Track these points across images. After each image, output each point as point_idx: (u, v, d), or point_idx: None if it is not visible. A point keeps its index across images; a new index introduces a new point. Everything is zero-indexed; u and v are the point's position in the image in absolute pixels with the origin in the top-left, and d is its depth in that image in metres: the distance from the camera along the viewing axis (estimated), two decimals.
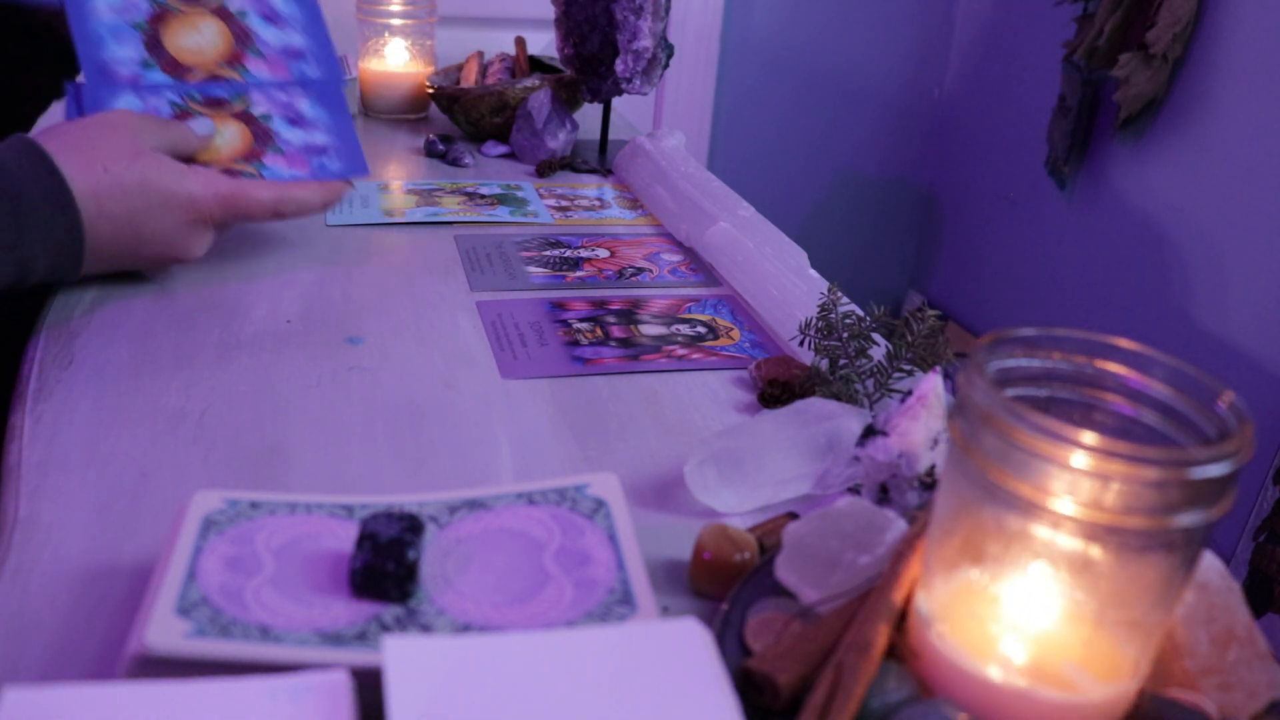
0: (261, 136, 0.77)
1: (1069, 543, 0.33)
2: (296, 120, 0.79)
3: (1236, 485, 0.32)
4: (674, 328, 0.74)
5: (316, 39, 0.82)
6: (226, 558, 0.42)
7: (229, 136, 0.76)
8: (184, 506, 0.44)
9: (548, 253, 0.85)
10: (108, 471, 0.52)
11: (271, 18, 0.81)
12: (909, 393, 0.48)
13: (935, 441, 0.47)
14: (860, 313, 0.63)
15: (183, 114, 0.76)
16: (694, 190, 0.91)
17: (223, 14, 0.78)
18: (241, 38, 0.78)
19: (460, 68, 1.19)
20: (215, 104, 0.78)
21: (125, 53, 0.75)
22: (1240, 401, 0.34)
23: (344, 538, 0.44)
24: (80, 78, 0.76)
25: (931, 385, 0.48)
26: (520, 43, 1.20)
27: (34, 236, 0.61)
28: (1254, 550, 1.44)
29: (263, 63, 0.79)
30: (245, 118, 0.77)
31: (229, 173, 0.74)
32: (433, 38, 1.22)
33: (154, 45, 0.76)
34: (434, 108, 1.21)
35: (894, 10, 2.15)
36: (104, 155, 0.65)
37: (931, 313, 0.59)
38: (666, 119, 2.08)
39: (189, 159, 0.72)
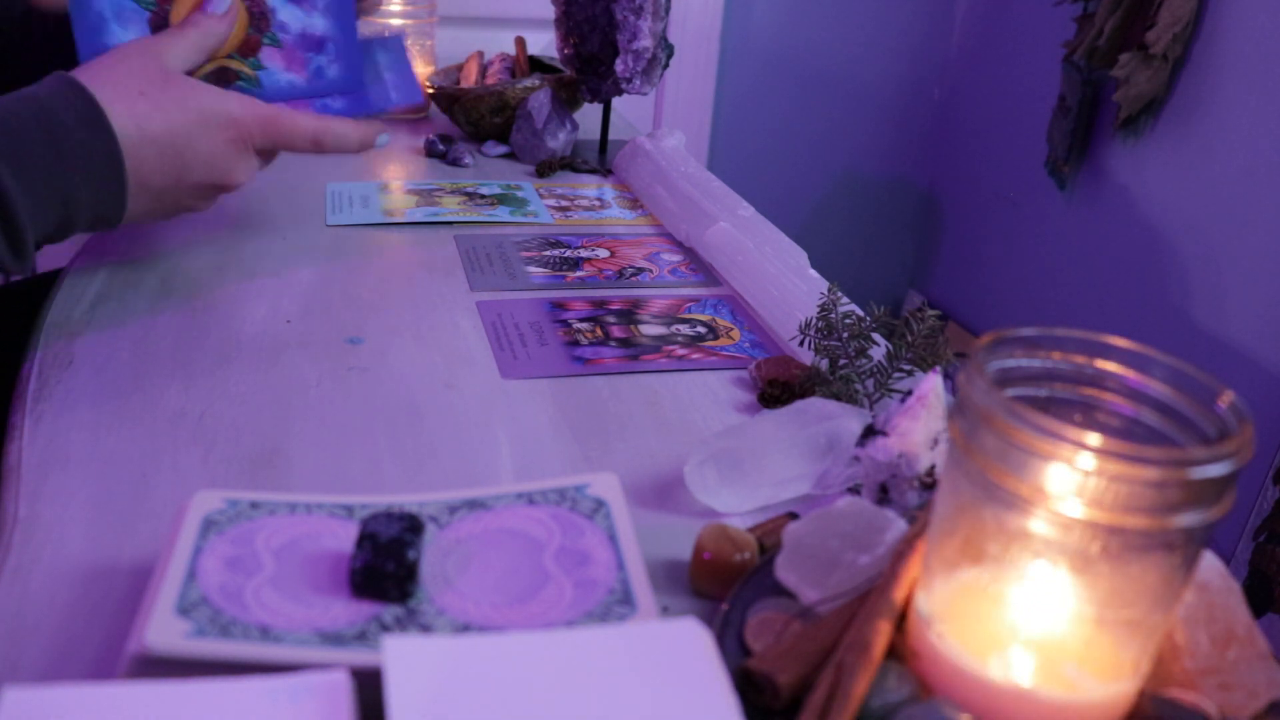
0: (258, 14, 0.74)
1: (1069, 543, 0.33)
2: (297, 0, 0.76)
3: (1236, 485, 0.32)
4: (674, 328, 0.74)
5: (340, 25, 0.78)
6: (226, 558, 0.42)
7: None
8: (184, 506, 0.44)
9: (548, 253, 0.85)
10: (108, 471, 0.52)
11: (297, 0, 0.77)
12: (909, 393, 0.48)
13: (935, 441, 0.47)
14: (860, 313, 0.63)
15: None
16: (694, 190, 0.91)
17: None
18: (259, 18, 0.75)
19: (460, 68, 1.19)
20: None
21: (129, 36, 0.72)
22: (1240, 401, 0.34)
23: (344, 538, 0.44)
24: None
25: (931, 385, 0.48)
26: (520, 43, 1.20)
27: (76, 169, 0.59)
28: (1254, 550, 1.44)
29: (278, 53, 0.76)
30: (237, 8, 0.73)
31: (224, 71, 0.73)
32: (433, 38, 1.22)
33: (161, 26, 0.73)
34: (434, 108, 1.21)
35: (894, 10, 2.15)
36: (138, 81, 0.63)
37: (931, 313, 0.59)
38: (666, 119, 2.08)
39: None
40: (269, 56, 0.75)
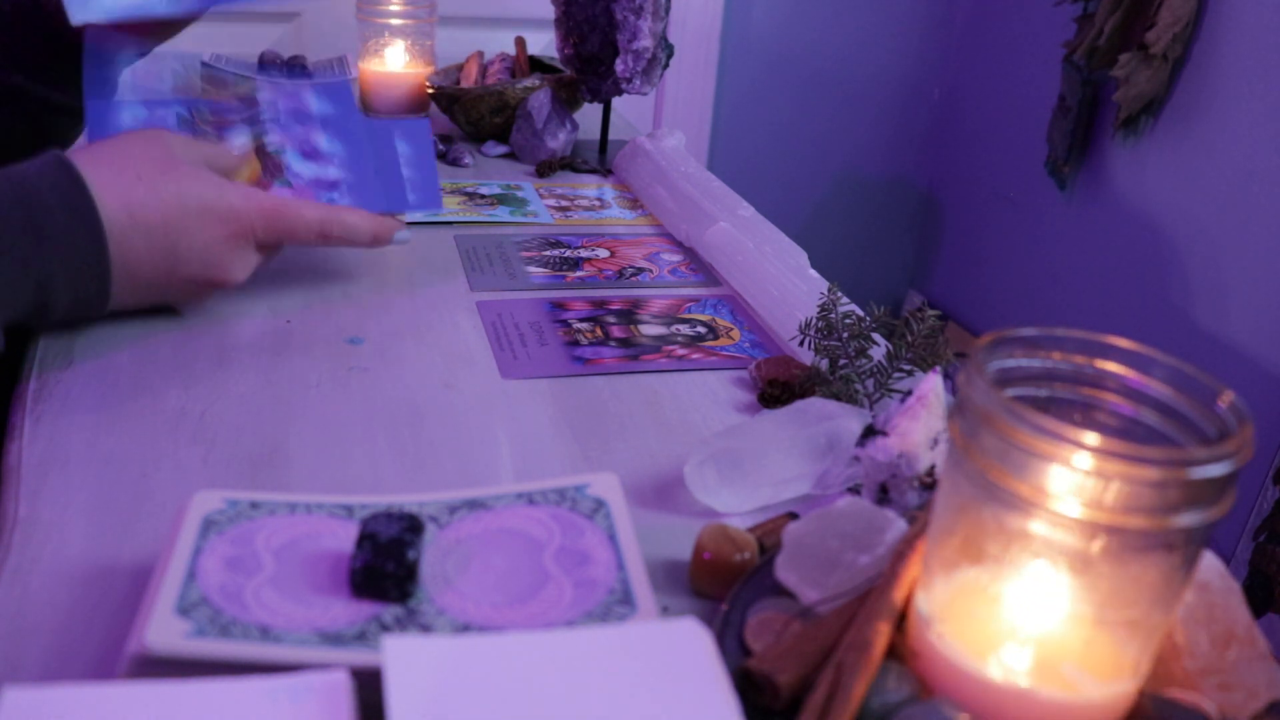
0: (271, 169, 0.74)
1: (1069, 543, 0.33)
2: (310, 154, 0.76)
3: (1236, 485, 0.32)
4: (674, 328, 0.74)
5: (355, 170, 0.77)
6: (226, 558, 0.42)
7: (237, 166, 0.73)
8: (184, 506, 0.44)
9: (548, 253, 0.85)
10: (108, 471, 0.52)
11: (311, 155, 0.76)
12: (909, 393, 0.48)
13: (935, 441, 0.47)
14: (860, 313, 0.63)
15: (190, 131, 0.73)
16: (694, 190, 0.91)
17: (257, 150, 0.74)
18: (273, 169, 0.74)
19: (460, 68, 1.19)
20: (224, 124, 0.75)
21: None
22: (1240, 401, 0.34)
23: (344, 538, 0.44)
24: None
25: (931, 385, 0.48)
26: (520, 43, 1.20)
27: (53, 250, 0.56)
28: (1254, 550, 1.44)
29: (289, 192, 0.73)
30: (258, 150, 0.74)
31: None
32: (433, 38, 1.22)
33: None
34: (434, 108, 1.21)
35: (894, 10, 2.15)
36: (137, 165, 0.61)
37: (931, 313, 0.59)
38: (666, 119, 2.08)
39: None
40: (279, 193, 0.73)
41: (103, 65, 0.73)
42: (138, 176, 0.60)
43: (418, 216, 0.90)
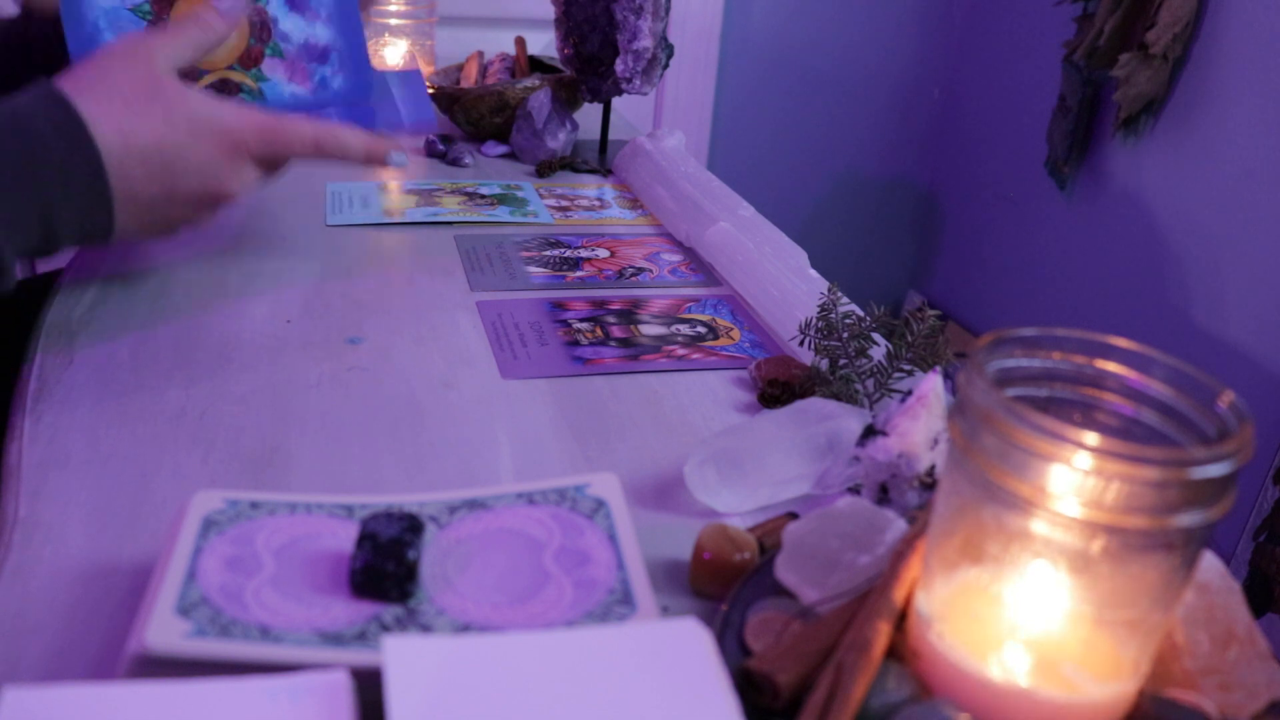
0: (259, 24, 0.72)
1: (1069, 543, 0.33)
2: (297, 6, 0.74)
3: (1236, 485, 0.32)
4: (674, 328, 0.74)
5: (344, 32, 0.76)
6: (226, 558, 0.42)
7: None
8: (184, 506, 0.44)
9: (548, 253, 0.85)
10: (108, 471, 0.52)
11: (297, 6, 0.75)
12: (909, 393, 0.48)
13: (935, 441, 0.47)
14: (860, 313, 0.63)
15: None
16: (694, 190, 0.91)
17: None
18: (260, 28, 0.73)
19: (460, 68, 1.19)
20: None
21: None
22: (1240, 401, 0.34)
23: (344, 538, 0.44)
24: None
25: (931, 385, 0.48)
26: (520, 43, 1.20)
27: (54, 181, 0.57)
28: (1254, 550, 1.44)
29: (280, 64, 0.74)
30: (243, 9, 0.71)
31: (226, 83, 0.71)
32: (433, 38, 1.22)
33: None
34: (434, 108, 1.21)
35: (894, 10, 2.15)
36: (125, 89, 0.61)
37: (931, 313, 0.59)
38: (666, 119, 2.08)
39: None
40: (271, 68, 0.73)
41: None
42: (126, 102, 0.61)
43: (419, 215, 0.90)
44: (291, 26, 0.74)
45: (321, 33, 0.75)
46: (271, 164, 0.69)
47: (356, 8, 0.77)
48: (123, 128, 0.60)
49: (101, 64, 0.63)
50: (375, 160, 0.72)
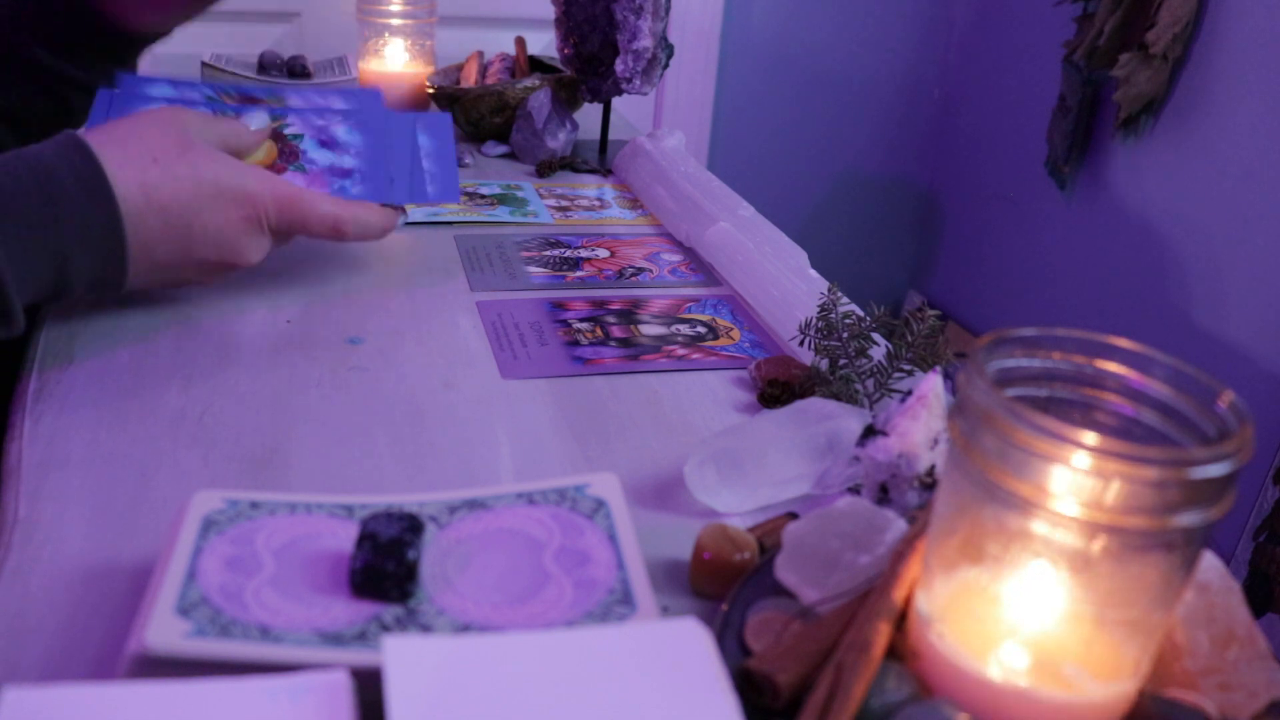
0: (287, 153, 0.74)
1: (1069, 543, 0.33)
2: (328, 143, 0.76)
3: (1236, 485, 0.32)
4: (674, 328, 0.74)
5: (370, 160, 0.76)
6: (226, 558, 0.42)
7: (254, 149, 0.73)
8: (184, 506, 0.44)
9: (548, 253, 0.85)
10: (108, 471, 0.52)
11: (328, 144, 0.76)
12: (909, 393, 0.48)
13: (935, 441, 0.47)
14: (860, 313, 0.63)
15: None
16: (694, 190, 0.91)
17: (276, 135, 0.74)
18: (288, 154, 0.74)
19: (460, 68, 1.19)
20: (248, 101, 0.75)
21: None
22: (1240, 401, 0.34)
23: (344, 538, 0.44)
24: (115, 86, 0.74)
25: (931, 385, 0.48)
26: (520, 43, 1.20)
27: (71, 231, 0.57)
28: (1254, 550, 1.44)
29: (302, 178, 0.73)
30: (276, 135, 0.74)
31: None
32: (433, 38, 1.22)
33: None
34: (434, 108, 1.21)
35: (894, 10, 2.15)
36: (153, 147, 0.61)
37: (931, 313, 0.59)
38: (666, 119, 2.08)
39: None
40: (292, 178, 0.73)
41: (125, 45, 0.73)
42: (153, 158, 0.61)
43: (419, 215, 0.90)
44: (319, 156, 0.75)
45: (347, 161, 0.76)
46: (286, 235, 0.69)
47: (386, 146, 0.76)
48: (145, 182, 0.60)
49: (132, 121, 0.63)
50: (389, 232, 0.73)
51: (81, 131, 0.61)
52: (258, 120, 0.71)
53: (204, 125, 0.65)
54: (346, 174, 0.75)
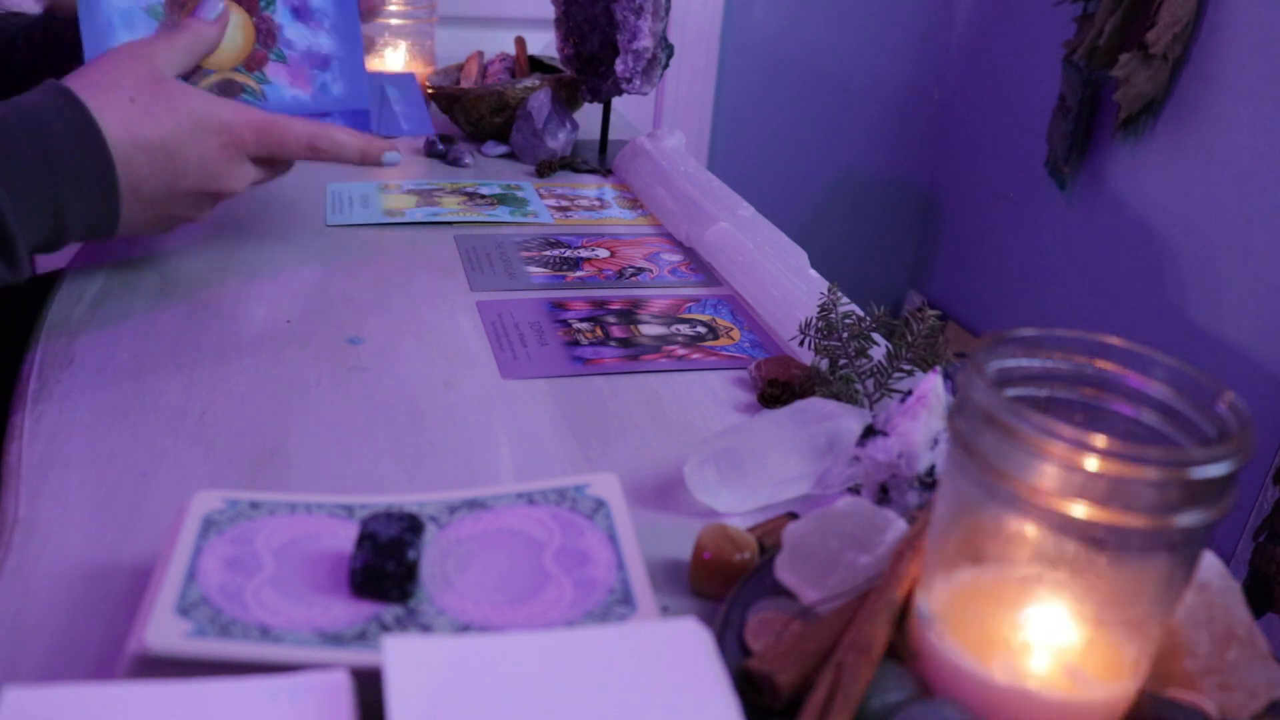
0: (265, 31, 0.74)
1: (1069, 542, 0.33)
2: (300, 10, 0.76)
3: (1236, 485, 0.32)
4: (674, 328, 0.74)
5: (345, 41, 0.78)
6: (226, 558, 0.42)
7: (231, 31, 0.73)
8: (184, 506, 0.44)
9: (548, 253, 0.85)
10: (108, 471, 0.52)
11: (301, 11, 0.77)
12: (909, 393, 0.48)
13: (935, 441, 0.47)
14: (860, 313, 0.63)
15: (170, 4, 0.73)
16: (694, 190, 0.91)
17: (249, 5, 0.75)
18: (265, 34, 0.75)
19: (460, 68, 1.19)
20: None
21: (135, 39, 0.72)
22: (1240, 401, 0.34)
23: (344, 538, 0.44)
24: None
25: (931, 385, 0.48)
26: (520, 43, 1.20)
27: (66, 177, 0.59)
28: (1254, 550, 1.44)
29: (283, 69, 0.76)
30: (249, 3, 0.74)
31: (229, 83, 0.73)
32: (433, 38, 1.22)
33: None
34: (434, 108, 1.21)
35: (894, 10, 2.15)
36: (130, 86, 0.63)
37: (931, 313, 0.59)
38: (666, 119, 2.08)
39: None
40: (274, 71, 0.75)
41: None
42: (131, 98, 0.63)
43: (419, 215, 0.90)
44: (295, 35, 0.76)
45: (324, 41, 0.77)
46: (270, 162, 0.71)
47: (357, 18, 0.78)
48: (128, 123, 0.62)
49: (106, 64, 0.65)
50: (370, 160, 0.74)
51: (60, 79, 0.63)
52: (211, 8, 0.72)
53: (171, 52, 0.67)
54: (325, 63, 0.76)
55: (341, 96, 0.77)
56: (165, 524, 0.48)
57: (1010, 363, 0.36)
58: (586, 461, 0.57)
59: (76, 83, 0.62)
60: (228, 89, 0.74)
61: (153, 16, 0.73)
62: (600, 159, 1.10)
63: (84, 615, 0.43)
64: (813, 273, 0.77)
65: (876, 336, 0.62)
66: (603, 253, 0.86)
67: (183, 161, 0.65)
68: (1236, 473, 0.31)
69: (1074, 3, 1.79)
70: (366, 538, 0.41)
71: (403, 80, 0.86)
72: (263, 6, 0.76)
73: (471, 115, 1.09)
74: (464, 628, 0.40)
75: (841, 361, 0.61)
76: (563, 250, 0.86)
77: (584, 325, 0.73)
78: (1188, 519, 0.31)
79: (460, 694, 0.33)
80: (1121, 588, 0.33)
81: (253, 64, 0.75)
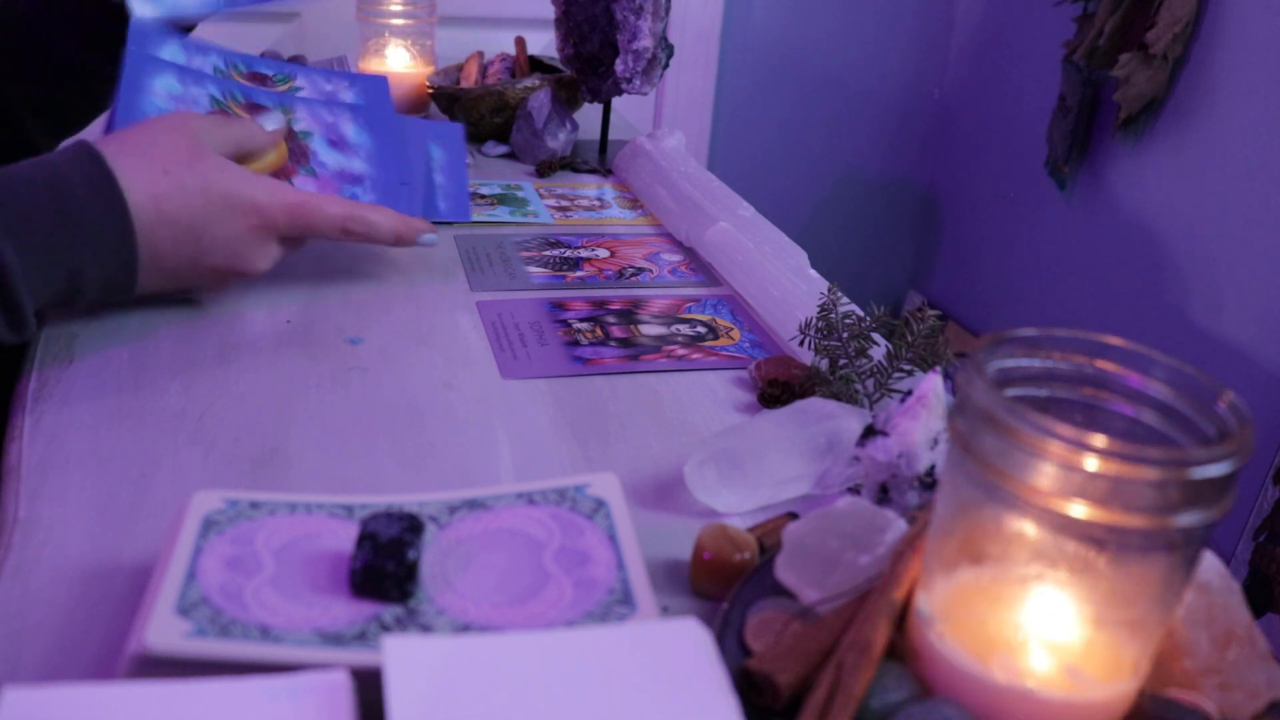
0: (297, 153, 0.74)
1: (1069, 542, 0.33)
2: (337, 143, 0.76)
3: (1236, 485, 0.32)
4: (674, 328, 0.74)
5: (381, 166, 0.77)
6: (226, 558, 0.42)
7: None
8: (184, 506, 0.44)
9: (548, 253, 0.85)
10: (108, 471, 0.52)
11: (338, 144, 0.76)
12: (909, 393, 0.48)
13: (935, 441, 0.47)
14: (860, 313, 0.63)
15: (220, 112, 0.73)
16: (694, 190, 0.91)
17: (286, 134, 0.74)
18: (298, 154, 0.75)
19: (460, 68, 1.19)
20: (255, 110, 0.74)
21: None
22: (1240, 401, 0.34)
23: (344, 538, 0.44)
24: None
25: (931, 385, 0.48)
26: (520, 43, 1.20)
27: (83, 240, 0.58)
28: (1254, 550, 1.44)
29: (313, 182, 0.74)
30: (287, 133, 0.74)
31: None
32: (433, 38, 1.22)
33: None
34: (434, 108, 1.21)
35: (894, 10, 2.15)
36: (164, 157, 0.61)
37: (931, 313, 0.59)
38: (666, 119, 2.08)
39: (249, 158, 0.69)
40: (302, 183, 0.74)
41: (144, 40, 0.73)
42: (164, 169, 0.61)
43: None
44: (329, 159, 0.75)
45: (358, 166, 0.76)
46: (296, 241, 0.70)
47: (400, 146, 0.77)
48: (156, 196, 0.61)
49: (144, 129, 0.63)
50: (405, 243, 0.72)
51: (93, 140, 0.61)
52: (273, 120, 0.71)
53: (214, 129, 0.66)
54: (357, 180, 0.75)
55: (372, 203, 0.75)
56: (165, 524, 0.48)
57: (1010, 363, 0.36)
58: (586, 461, 0.57)
59: (109, 148, 0.60)
60: None
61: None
62: (600, 159, 1.10)
63: (84, 615, 0.43)
64: (813, 273, 0.77)
65: (876, 336, 0.62)
66: (603, 253, 0.86)
67: (210, 240, 0.63)
68: (1236, 473, 0.31)
69: (1074, 3, 1.79)
70: (366, 538, 0.41)
71: (449, 137, 0.82)
72: (300, 135, 0.75)
73: (471, 115, 1.09)
74: (464, 628, 0.40)
75: (841, 361, 0.61)
76: (563, 250, 0.86)
77: (584, 325, 0.73)
78: (1188, 519, 0.31)
79: (460, 694, 0.33)
80: (1121, 588, 0.33)
81: (282, 175, 0.73)
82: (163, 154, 0.62)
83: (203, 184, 0.62)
